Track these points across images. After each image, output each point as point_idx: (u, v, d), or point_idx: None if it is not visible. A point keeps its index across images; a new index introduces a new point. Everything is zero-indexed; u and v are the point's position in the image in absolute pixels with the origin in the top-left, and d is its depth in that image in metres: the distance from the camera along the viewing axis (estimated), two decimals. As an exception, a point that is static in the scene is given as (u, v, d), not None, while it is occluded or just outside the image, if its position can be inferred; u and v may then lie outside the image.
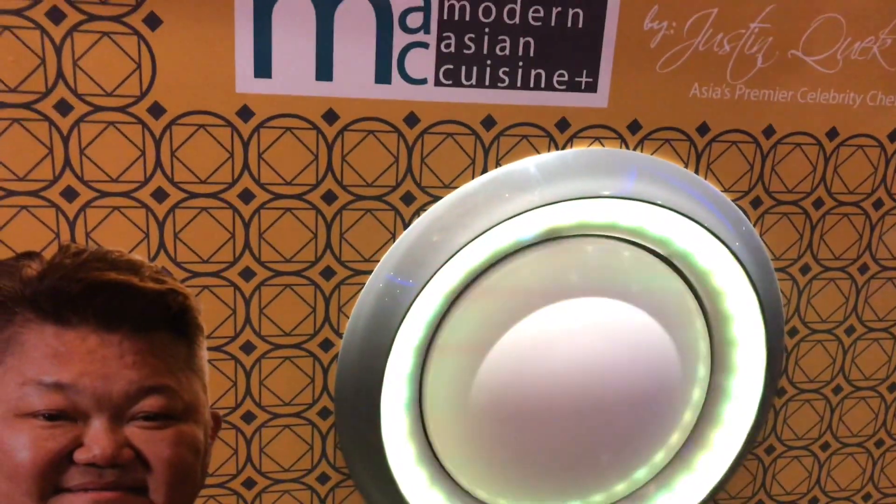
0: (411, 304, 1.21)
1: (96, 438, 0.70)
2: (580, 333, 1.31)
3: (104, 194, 1.10)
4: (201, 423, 0.82)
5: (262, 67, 1.10)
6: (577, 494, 1.46)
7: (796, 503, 1.57)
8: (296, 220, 1.17)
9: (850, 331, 1.46)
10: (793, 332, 1.44)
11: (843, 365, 1.48)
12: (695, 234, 1.30)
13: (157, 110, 1.08)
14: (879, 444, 1.56)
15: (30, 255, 0.76)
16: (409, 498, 1.31)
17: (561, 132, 1.23)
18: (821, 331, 1.45)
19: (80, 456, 0.68)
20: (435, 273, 1.21)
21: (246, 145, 1.12)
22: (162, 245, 1.13)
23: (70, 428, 0.70)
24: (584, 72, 1.21)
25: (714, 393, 1.43)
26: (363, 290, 1.23)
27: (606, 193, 1.23)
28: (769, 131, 1.30)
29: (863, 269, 1.43)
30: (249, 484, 1.28)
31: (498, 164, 1.22)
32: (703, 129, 1.27)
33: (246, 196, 1.14)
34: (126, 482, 0.70)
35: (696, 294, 1.37)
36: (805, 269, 1.40)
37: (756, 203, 1.34)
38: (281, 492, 1.30)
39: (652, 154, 1.28)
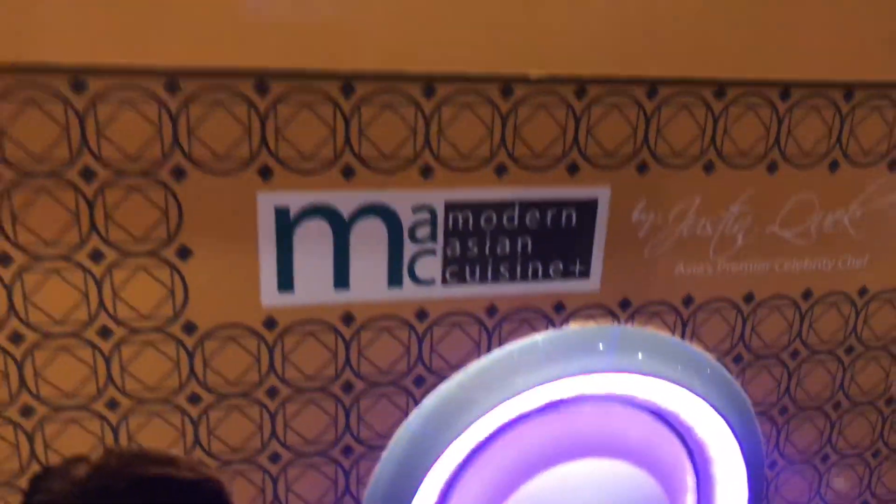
0: (437, 457, 1.31)
1: None
2: (580, 490, 1.42)
3: (143, 401, 1.20)
4: None
5: (285, 282, 1.20)
6: None
7: None
8: (318, 409, 1.28)
9: (825, 458, 1.59)
10: (773, 465, 1.56)
11: (818, 487, 1.61)
12: (680, 394, 1.41)
13: (189, 327, 1.19)
14: (854, 552, 1.70)
15: (77, 459, 0.84)
16: None
17: (558, 314, 1.34)
18: (798, 462, 1.58)
19: None
20: (461, 430, 1.31)
21: (271, 351, 1.23)
22: (197, 441, 1.24)
23: None
24: (578, 261, 1.31)
25: (702, 524, 1.55)
26: (388, 446, 1.34)
27: (598, 368, 1.34)
28: (749, 297, 1.41)
29: (836, 406, 1.55)
30: None
31: (500, 345, 1.33)
32: (687, 300, 1.38)
33: (272, 392, 1.25)
34: None
35: (686, 442, 1.49)
36: (783, 410, 1.53)
37: (738, 359, 1.46)
38: None
39: (642, 326, 1.39)
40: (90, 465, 0.82)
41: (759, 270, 1.40)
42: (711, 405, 1.45)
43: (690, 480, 1.56)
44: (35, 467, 1.18)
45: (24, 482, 1.16)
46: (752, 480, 1.51)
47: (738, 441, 1.48)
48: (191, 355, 1.20)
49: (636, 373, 1.40)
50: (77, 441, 1.18)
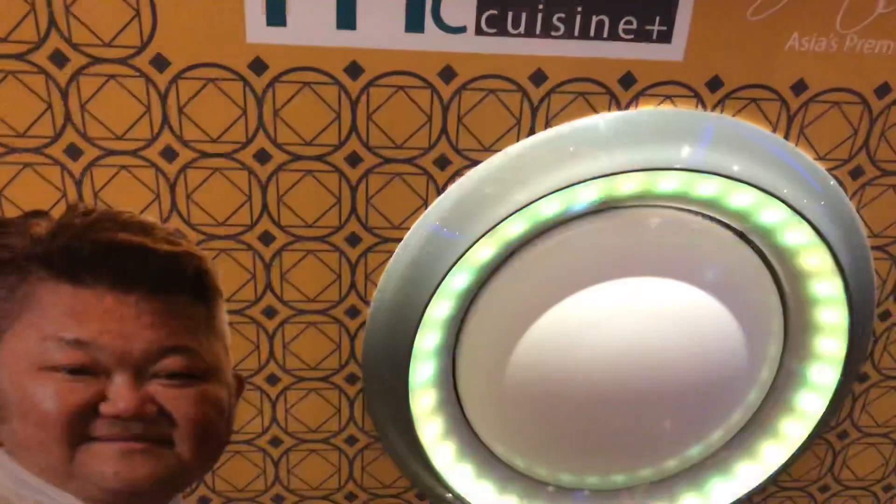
0: (458, 259, 1.09)
1: (119, 393, 0.70)
2: (633, 311, 1.18)
3: (110, 152, 1.01)
4: (224, 384, 0.84)
5: (276, 14, 0.96)
6: (624, 469, 1.38)
7: (868, 489, 1.44)
8: (317, 184, 1.06)
9: (955, 316, 1.27)
10: (885, 315, 1.26)
11: (943, 352, 1.30)
12: (777, 210, 1.12)
13: (160, 63, 0.97)
14: (974, 435, 1.40)
15: (37, 214, 0.74)
16: (441, 468, 1.26)
17: (625, 89, 1.05)
18: (920, 315, 1.27)
19: (104, 409, 0.69)
20: (488, 228, 1.08)
21: (260, 102, 1.00)
22: (174, 206, 1.05)
23: (93, 382, 0.71)
24: (657, 18, 1.01)
25: (785, 376, 1.29)
26: (402, 242, 1.13)
27: (679, 164, 1.06)
28: (883, 90, 1.08)
29: (981, 249, 1.22)
30: (276, 442, 1.25)
31: (548, 126, 1.06)
32: (798, 87, 1.06)
33: (262, 157, 1.04)
34: (152, 435, 0.71)
35: (774, 272, 1.20)
36: (909, 248, 1.21)
37: (856, 173, 1.14)
38: (308, 451, 1.27)
39: (734, 116, 1.08)
40: (51, 222, 0.73)
41: (903, 53, 1.05)
42: (816, 229, 1.14)
43: (777, 324, 1.28)
44: (-10, 218, 1.02)
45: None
46: (853, 329, 1.22)
47: (843, 278, 1.18)
48: (163, 96, 0.99)
49: (725, 177, 1.12)
50: (32, 191, 1.01)
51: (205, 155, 1.03)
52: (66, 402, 0.68)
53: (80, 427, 0.69)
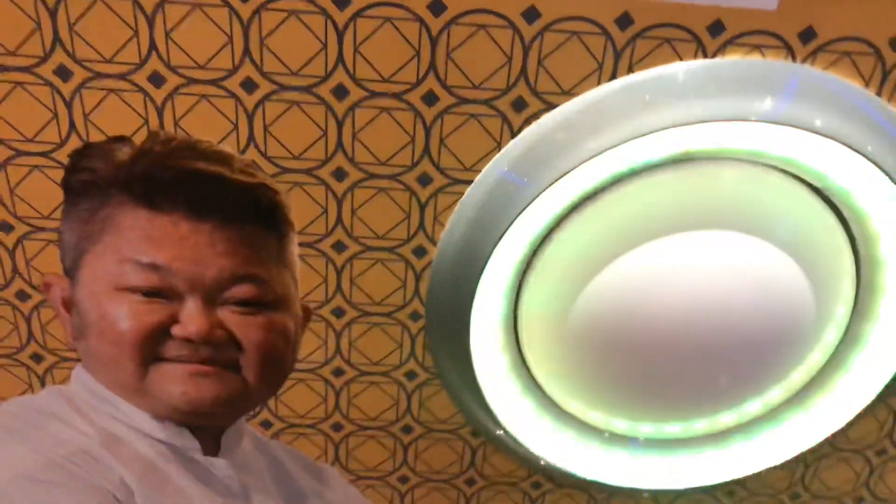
0: (527, 205, 1.09)
1: (191, 317, 0.74)
2: (701, 264, 1.16)
3: (192, 81, 1.03)
4: (291, 314, 0.86)
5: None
6: (677, 417, 1.38)
7: (925, 456, 1.43)
8: (393, 122, 1.06)
9: None
10: (964, 283, 1.22)
11: None
12: (860, 168, 1.08)
13: (244, -7, 0.97)
14: None
15: (121, 140, 0.77)
16: (497, 408, 1.28)
17: (713, 37, 1.02)
18: None
19: (176, 331, 0.72)
20: (559, 176, 1.07)
21: (341, 35, 1.00)
22: (251, 138, 1.06)
23: (167, 305, 0.74)
24: (753, -37, 0.97)
25: (852, 341, 1.26)
26: (471, 186, 1.13)
27: (758, 117, 1.03)
28: None
29: None
30: (338, 372, 1.29)
31: (631, 72, 1.04)
32: (897, 41, 1.02)
33: (339, 92, 1.04)
34: (220, 359, 0.74)
35: (850, 233, 1.17)
36: None
37: (950, 135, 1.09)
38: (368, 383, 1.30)
39: (826, 69, 1.04)
40: (133, 149, 0.75)
41: None
42: (899, 188, 1.11)
43: (848, 286, 1.26)
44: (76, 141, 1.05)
45: (63, 156, 1.03)
46: (930, 295, 1.19)
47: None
48: (246, 28, 0.99)
49: (809, 131, 1.08)
50: (115, 117, 1.04)
51: (283, 87, 1.03)
52: (140, 323, 0.71)
53: (152, 347, 0.72)
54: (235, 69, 1.01)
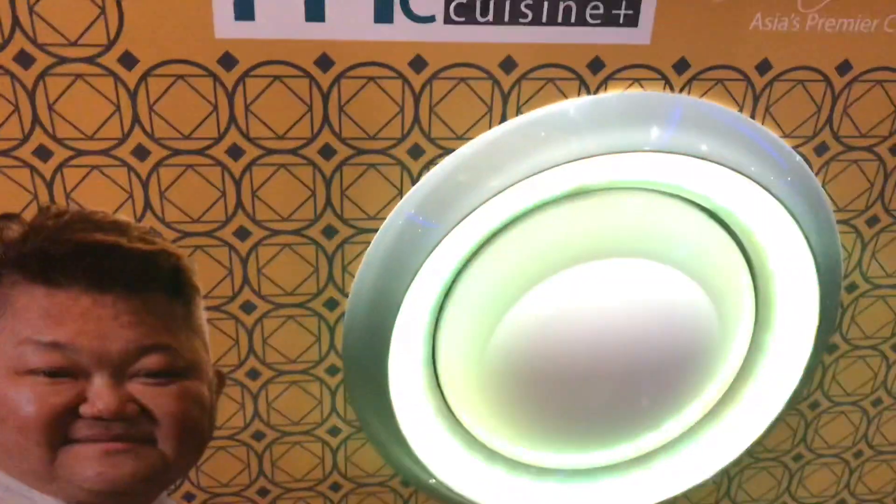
0: (434, 247, 1.10)
1: (99, 394, 0.70)
2: (607, 292, 1.19)
3: (81, 153, 1.01)
4: (205, 380, 0.84)
5: (244, 9, 0.96)
6: (601, 443, 1.40)
7: (839, 456, 1.48)
8: (291, 177, 1.06)
9: (918, 285, 1.31)
10: (851, 287, 1.29)
11: (908, 322, 1.34)
12: (745, 188, 1.14)
13: (128, 61, 0.96)
14: (939, 400, 1.44)
15: (9, 217, 0.74)
16: (423, 455, 1.27)
17: (594, 74, 1.06)
18: (885, 286, 1.30)
19: (85, 410, 0.69)
20: (464, 216, 1.09)
21: (231, 97, 1.00)
22: (148, 205, 1.05)
23: (72, 384, 0.70)
24: (623, 3, 1.02)
25: (757, 351, 1.32)
26: (378, 233, 1.13)
27: (648, 147, 1.08)
28: (844, 67, 1.10)
29: (942, 220, 1.25)
30: (259, 436, 1.26)
31: (519, 113, 1.07)
32: (763, 66, 1.08)
33: (235, 152, 1.03)
34: (134, 434, 0.71)
35: (744, 249, 1.23)
36: (872, 221, 1.24)
37: (821, 149, 1.17)
38: (292, 443, 1.27)
39: (701, 97, 1.10)
40: (23, 225, 0.73)
41: (862, 31, 1.08)
42: (783, 205, 1.16)
43: (748, 299, 1.31)
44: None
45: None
46: (823, 301, 1.25)
47: (812, 252, 1.21)
48: (132, 95, 0.98)
49: (693, 157, 1.14)
50: (1, 194, 1.00)
51: (177, 152, 1.02)
52: (45, 406, 0.67)
53: (60, 430, 0.69)
54: (126, 136, 1.00)
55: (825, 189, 1.19)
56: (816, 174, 1.18)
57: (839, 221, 1.22)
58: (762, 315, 1.29)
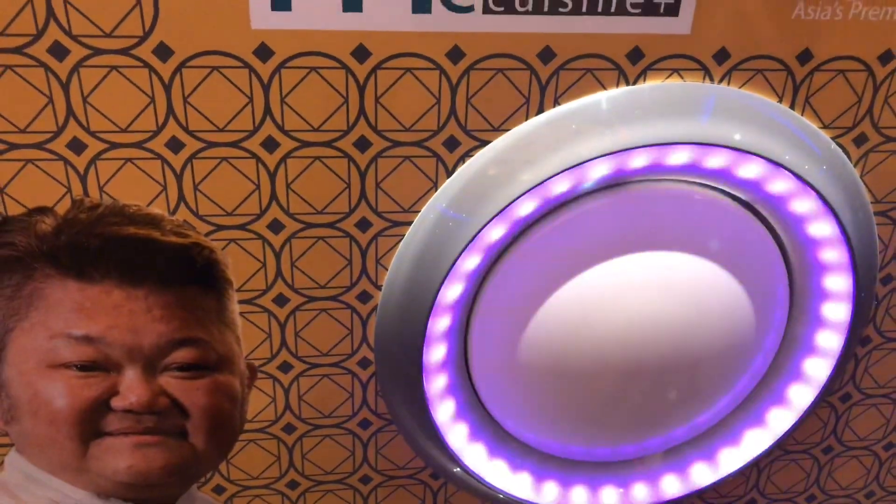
0: (469, 241, 1.09)
1: (131, 387, 0.70)
2: (641, 285, 1.18)
3: (115, 145, 0.99)
4: (237, 373, 0.84)
5: (281, -1, 0.94)
6: (634, 439, 1.39)
7: (869, 449, 1.47)
8: (326, 169, 1.05)
9: (954, 277, 1.29)
10: (887, 279, 1.28)
11: (942, 312, 1.33)
12: (781, 178, 1.12)
13: (163, 52, 0.95)
14: (971, 392, 1.43)
15: (42, 211, 0.74)
16: (454, 447, 1.26)
17: (633, 64, 1.04)
18: (920, 277, 1.29)
19: (117, 403, 0.69)
20: (497, 210, 1.08)
21: (266, 89, 0.99)
22: (182, 198, 1.04)
23: (104, 377, 0.71)
24: (664, -9, 1.00)
25: (790, 343, 1.31)
26: (410, 229, 1.12)
27: (680, 138, 1.06)
28: (886, 57, 1.08)
29: (980, 211, 1.23)
30: (289, 429, 1.25)
31: (556, 104, 1.06)
32: (804, 56, 1.07)
33: (270, 144, 1.02)
34: (165, 427, 0.71)
35: (780, 241, 1.21)
36: (910, 212, 1.22)
37: (860, 140, 1.15)
38: (322, 436, 1.27)
39: (741, 87, 1.08)
40: (56, 218, 0.72)
41: (906, 20, 1.06)
42: (821, 197, 1.15)
43: (782, 292, 1.30)
44: (-6, 217, 1.00)
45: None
46: (858, 294, 1.24)
47: (847, 245, 1.19)
48: (167, 87, 0.97)
49: (727, 147, 1.12)
50: (35, 187, 0.99)
51: (211, 144, 1.01)
52: (77, 399, 0.67)
53: (92, 423, 0.69)
54: (160, 129, 0.98)
55: (863, 180, 1.18)
56: (855, 165, 1.16)
57: (876, 213, 1.20)
58: (797, 308, 1.28)
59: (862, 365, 1.37)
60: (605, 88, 1.06)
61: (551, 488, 1.39)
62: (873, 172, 1.18)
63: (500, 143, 1.09)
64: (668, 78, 1.06)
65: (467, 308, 1.19)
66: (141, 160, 1.01)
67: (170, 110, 0.98)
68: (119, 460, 0.68)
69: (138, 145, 1.00)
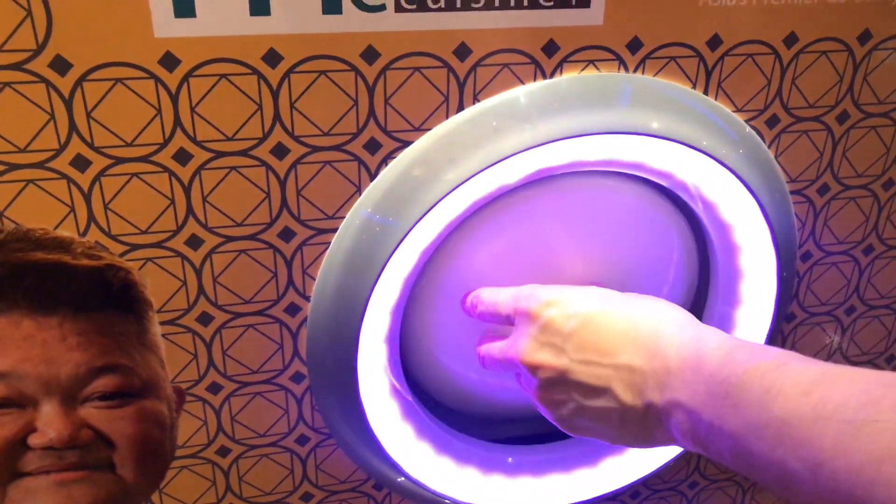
0: (397, 246, 1.07)
1: (49, 422, 0.68)
2: (567, 279, 1.19)
3: (14, 167, 0.94)
4: (163, 398, 0.80)
5: (184, 5, 0.90)
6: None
7: (800, 422, 1.51)
8: (243, 179, 1.01)
9: (868, 250, 1.34)
10: (806, 255, 1.32)
11: (857, 285, 1.37)
12: (699, 163, 1.14)
13: (61, 65, 0.90)
14: (889, 360, 1.48)
15: None
16: (396, 455, 1.24)
17: (549, 57, 1.04)
18: (836, 252, 1.33)
19: (34, 441, 0.66)
20: (423, 211, 1.06)
21: (175, 99, 0.95)
22: (92, 218, 0.98)
23: (19, 414, 0.71)
24: (575, -17, 1.01)
25: (721, 324, 1.33)
26: (335, 237, 1.10)
27: (598, 129, 1.07)
28: (791, 39, 1.11)
29: (888, 184, 1.28)
30: (223, 452, 1.20)
31: (476, 100, 1.05)
32: (714, 41, 1.09)
33: (182, 157, 0.98)
34: (90, 461, 0.69)
35: (701, 226, 1.23)
36: (823, 190, 1.26)
37: (772, 122, 1.18)
38: (259, 456, 1.23)
39: (655, 75, 1.10)
40: None
41: (806, 3, 1.09)
42: (740, 179, 1.17)
43: (694, 274, 1.32)
44: None
45: None
46: (782, 272, 1.27)
47: (769, 223, 1.22)
48: (67, 102, 0.92)
49: (646, 135, 1.13)
50: (-69, 216, 0.93)
51: (120, 160, 0.96)
52: None
53: (9, 464, 0.66)
54: (63, 147, 0.93)
55: (778, 161, 1.21)
56: (769, 147, 1.19)
57: (792, 192, 1.24)
58: (721, 289, 1.30)
59: (789, 341, 1.40)
60: (522, 83, 1.05)
61: (496, 492, 1.38)
62: (787, 153, 1.21)
63: (420, 143, 1.08)
64: (583, 69, 1.07)
65: (401, 311, 1.17)
66: (44, 181, 0.95)
67: (72, 126, 0.93)
68: (41, 500, 0.65)
69: (40, 165, 0.94)
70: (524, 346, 0.92)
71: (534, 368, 0.90)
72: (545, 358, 0.88)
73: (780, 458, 0.59)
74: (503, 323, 1.03)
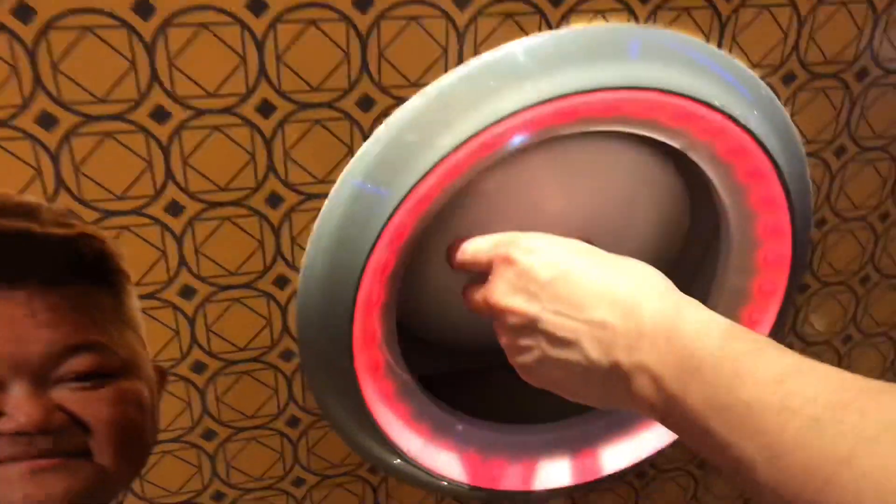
0: (390, 217, 1.00)
1: (19, 405, 0.64)
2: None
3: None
4: (143, 378, 0.75)
5: (158, -56, 0.83)
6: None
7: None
8: (227, 139, 0.94)
9: (884, 217, 1.28)
10: (821, 222, 1.26)
11: (873, 254, 1.32)
12: (712, 120, 1.08)
13: (24, 13, 0.82)
14: (905, 332, 1.43)
15: None
16: (393, 436, 1.17)
17: (554, 7, 0.97)
18: (853, 219, 1.27)
19: (3, 426, 0.62)
20: (418, 178, 0.99)
21: (151, 50, 0.87)
22: (61, 182, 0.91)
23: None
24: (582, -75, 0.94)
25: (733, 294, 1.27)
26: (324, 207, 1.02)
27: (603, 84, 1.00)
28: (810, -11, 1.05)
29: (906, 146, 1.22)
30: (209, 435, 1.14)
31: (477, 52, 0.98)
32: (729, -9, 1.02)
33: (159, 115, 0.90)
34: (64, 447, 0.65)
35: (715, 189, 1.17)
36: (840, 152, 1.20)
37: (788, 79, 1.11)
38: (246, 440, 1.16)
39: (667, 27, 1.03)
40: None
41: (828, -51, 1.02)
42: (754, 139, 1.11)
43: (705, 238, 1.26)
44: None
45: None
46: (796, 237, 1.21)
47: (785, 188, 1.16)
48: (31, 53, 0.84)
49: (654, 90, 1.07)
50: None
51: (91, 119, 0.89)
52: None
53: None
54: (26, 103, 0.86)
55: (793, 121, 1.14)
56: (784, 105, 1.13)
57: (808, 154, 1.18)
58: (734, 257, 1.24)
59: (803, 312, 1.34)
60: (526, 34, 0.98)
61: (496, 472, 1.32)
62: (803, 112, 1.15)
63: (413, 104, 1.01)
64: (592, 20, 1.00)
65: (398, 281, 1.10)
66: (6, 140, 0.87)
67: (37, 80, 0.85)
68: (12, 491, 0.61)
69: (2, 124, 0.87)
70: (499, 289, 0.88)
71: (504, 312, 0.86)
72: (517, 303, 0.84)
73: (736, 442, 0.57)
74: (485, 269, 0.99)
